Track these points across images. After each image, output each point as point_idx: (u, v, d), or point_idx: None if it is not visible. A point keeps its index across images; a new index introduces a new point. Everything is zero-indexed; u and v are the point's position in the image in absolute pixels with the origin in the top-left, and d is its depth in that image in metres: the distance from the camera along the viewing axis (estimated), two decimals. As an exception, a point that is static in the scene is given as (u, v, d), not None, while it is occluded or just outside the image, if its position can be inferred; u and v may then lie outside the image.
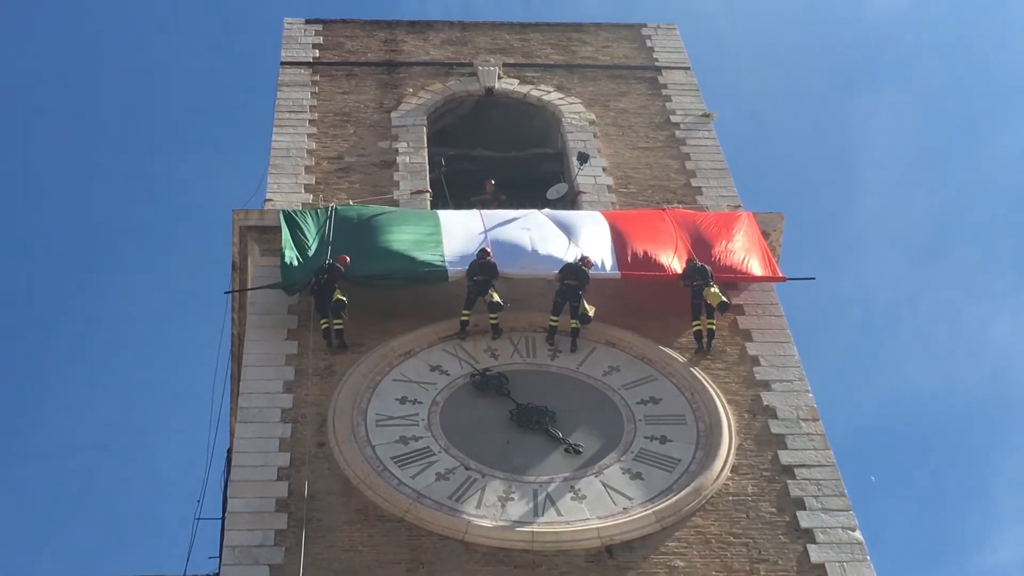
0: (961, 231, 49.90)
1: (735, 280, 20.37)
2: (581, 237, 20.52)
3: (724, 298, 19.52)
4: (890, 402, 46.54)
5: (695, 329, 19.57)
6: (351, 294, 19.27)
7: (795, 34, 54.06)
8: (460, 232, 20.50)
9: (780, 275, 20.73)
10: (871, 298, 49.05)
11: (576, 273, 19.52)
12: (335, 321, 19.01)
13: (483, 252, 19.75)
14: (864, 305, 48.69)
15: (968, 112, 52.25)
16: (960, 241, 49.48)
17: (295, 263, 19.71)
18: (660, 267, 20.25)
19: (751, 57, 53.70)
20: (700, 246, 20.74)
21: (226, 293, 21.22)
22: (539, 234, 20.53)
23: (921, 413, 46.86)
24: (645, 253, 20.39)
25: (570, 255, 19.92)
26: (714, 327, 19.56)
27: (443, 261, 19.82)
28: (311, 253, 19.90)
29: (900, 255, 49.26)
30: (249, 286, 20.47)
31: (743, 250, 20.78)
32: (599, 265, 19.92)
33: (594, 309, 19.34)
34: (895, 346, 47.66)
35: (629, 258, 20.27)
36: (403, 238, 20.25)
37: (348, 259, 19.55)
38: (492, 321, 19.49)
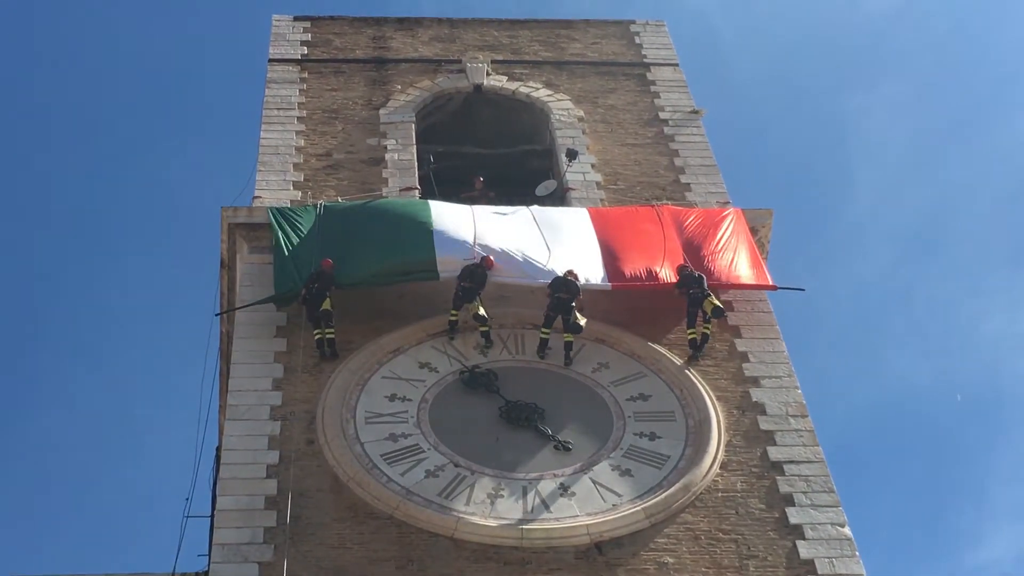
0: (954, 227, 50.00)
1: (725, 288, 20.31)
2: (570, 245, 20.36)
3: (718, 303, 19.49)
4: (883, 397, 46.62)
5: (691, 337, 19.44)
6: (340, 292, 19.23)
7: (788, 30, 54.10)
8: (452, 228, 20.30)
9: (771, 284, 20.65)
10: (864, 293, 49.14)
11: (566, 286, 19.31)
12: (327, 331, 18.92)
13: (486, 260, 19.52)
14: (857, 300, 48.78)
15: (961, 108, 52.32)
16: (953, 237, 49.62)
17: (289, 271, 19.65)
18: (651, 275, 20.11)
19: (743, 53, 53.78)
20: (690, 248, 20.69)
21: (216, 315, 21.01)
22: (529, 239, 20.35)
23: (914, 408, 46.97)
24: (635, 261, 20.25)
25: (558, 264, 19.77)
26: (708, 331, 19.51)
27: (435, 260, 19.69)
28: (302, 260, 19.78)
29: (893, 250, 49.35)
30: (238, 283, 20.48)
31: (733, 252, 20.71)
32: (589, 277, 19.78)
33: (585, 320, 19.25)
34: (888, 342, 47.72)
35: (619, 267, 20.11)
36: (394, 235, 20.15)
37: (331, 262, 19.47)
38: (482, 330, 19.39)
